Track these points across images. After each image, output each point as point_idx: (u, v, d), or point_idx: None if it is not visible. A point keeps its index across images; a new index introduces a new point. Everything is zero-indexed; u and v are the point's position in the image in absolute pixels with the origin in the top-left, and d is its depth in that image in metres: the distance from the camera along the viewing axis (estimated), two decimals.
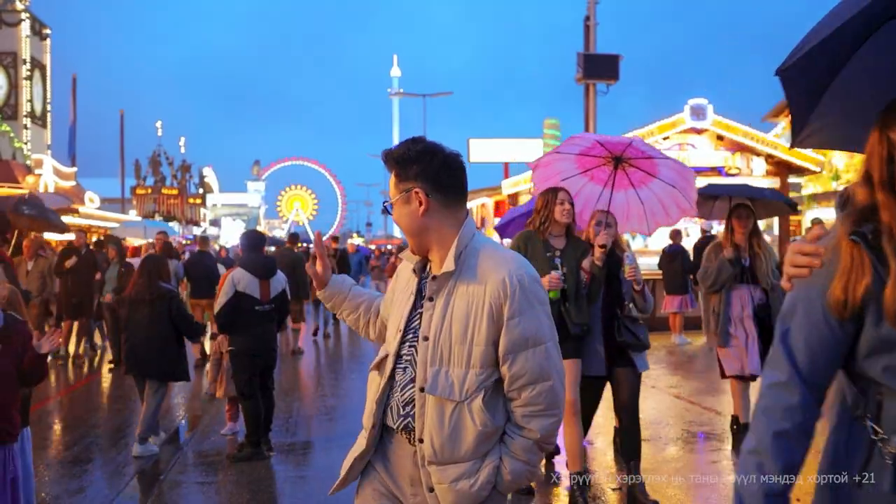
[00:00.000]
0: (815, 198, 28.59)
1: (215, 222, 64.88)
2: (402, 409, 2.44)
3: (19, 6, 38.14)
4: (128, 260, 12.21)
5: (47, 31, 40.52)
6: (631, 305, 5.44)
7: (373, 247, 43.49)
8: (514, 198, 19.52)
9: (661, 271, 13.83)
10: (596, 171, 5.98)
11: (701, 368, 11.03)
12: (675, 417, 8.04)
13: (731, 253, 6.45)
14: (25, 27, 37.94)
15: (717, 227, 15.37)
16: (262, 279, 6.82)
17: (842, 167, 26.88)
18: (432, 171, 2.43)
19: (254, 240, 7.01)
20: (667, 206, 6.06)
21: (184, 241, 27.01)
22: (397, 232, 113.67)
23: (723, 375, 6.71)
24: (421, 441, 2.38)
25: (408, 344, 2.46)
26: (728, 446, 6.86)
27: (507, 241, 7.98)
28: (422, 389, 2.38)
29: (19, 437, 4.42)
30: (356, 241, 32.17)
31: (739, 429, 6.67)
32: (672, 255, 13.61)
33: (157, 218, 44.57)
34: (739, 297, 6.49)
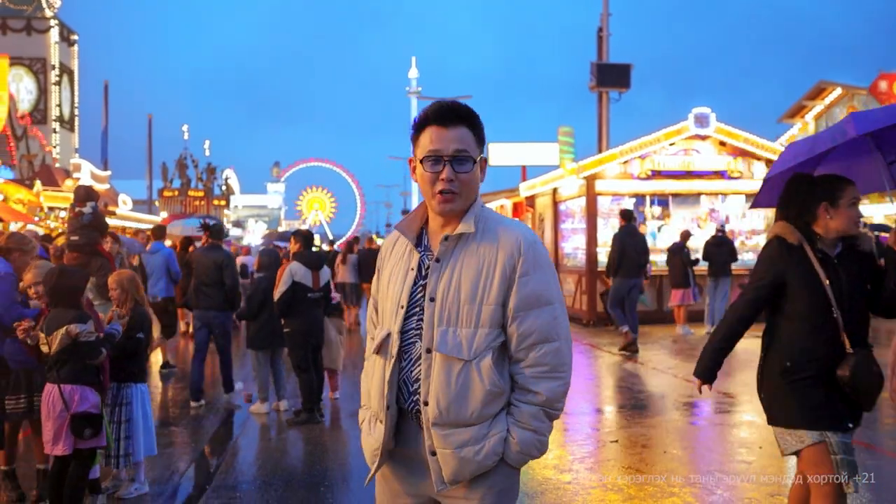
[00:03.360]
0: None
1: (238, 224, 66.22)
2: (410, 387, 2.39)
3: (48, 13, 39.61)
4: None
5: (75, 37, 41.91)
6: None
7: None
8: (531, 200, 20.66)
9: (667, 267, 14.97)
10: None
11: (695, 353, 12.13)
12: (671, 391, 9.20)
13: None
14: (54, 34, 39.31)
15: (729, 226, 16.52)
16: (314, 270, 8.05)
17: None
18: (485, 140, 2.50)
19: (307, 238, 8.26)
20: None
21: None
22: None
23: None
24: (426, 404, 2.34)
25: (415, 318, 2.40)
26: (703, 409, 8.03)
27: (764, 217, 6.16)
28: (428, 350, 2.35)
29: (136, 389, 5.65)
30: (379, 241, 33.32)
31: None
32: (673, 252, 14.74)
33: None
34: None
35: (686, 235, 15.02)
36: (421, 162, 2.40)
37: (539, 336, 2.36)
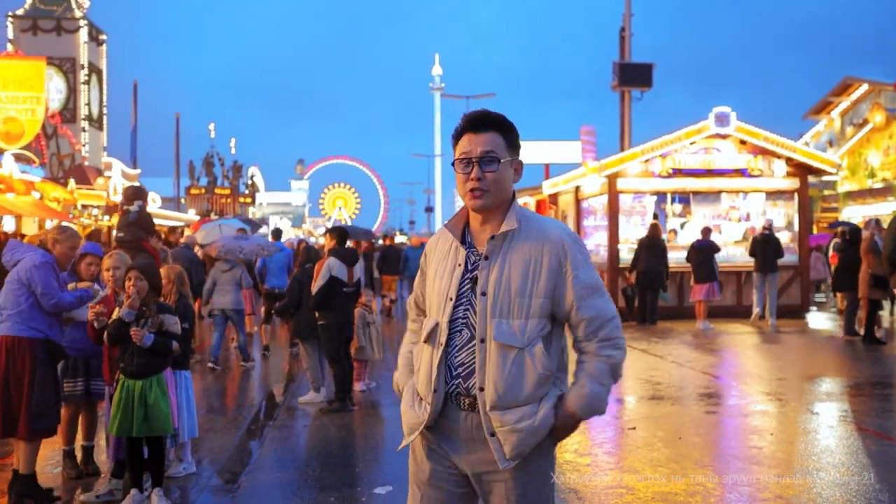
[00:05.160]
0: (851, 195, 29.49)
1: (263, 221, 66.91)
2: (453, 371, 2.64)
3: (77, 14, 40.31)
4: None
5: (103, 36, 42.47)
6: None
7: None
8: (554, 198, 21.01)
9: (689, 264, 15.27)
10: None
11: (714, 347, 12.59)
12: (689, 383, 9.55)
13: None
14: (83, 34, 39.91)
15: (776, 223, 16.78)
16: (349, 266, 8.46)
17: (877, 165, 27.81)
18: (519, 146, 2.74)
19: (342, 234, 8.67)
20: None
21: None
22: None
23: None
24: (482, 390, 2.58)
25: (462, 308, 2.64)
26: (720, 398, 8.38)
27: None
28: (482, 340, 2.58)
29: (181, 375, 6.00)
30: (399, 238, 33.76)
31: None
32: (700, 250, 15.02)
33: (213, 217, 46.57)
34: None
35: (707, 232, 15.33)
36: (453, 164, 2.69)
37: (602, 317, 2.64)
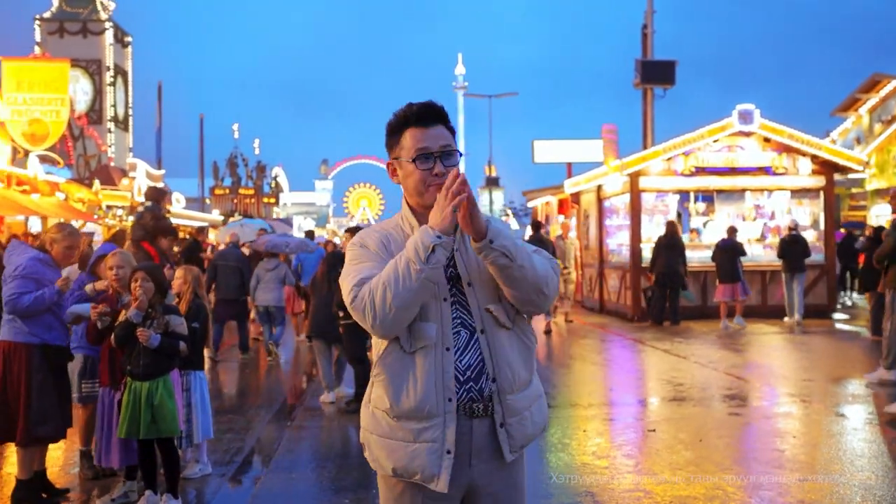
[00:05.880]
0: (879, 193, 29.12)
1: (287, 221, 67.24)
2: (462, 377, 2.45)
3: (103, 16, 40.70)
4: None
5: (129, 38, 42.92)
6: None
7: None
8: (576, 197, 20.89)
9: (714, 263, 15.09)
10: None
11: (738, 348, 12.43)
12: (711, 384, 9.44)
13: None
14: (109, 36, 40.34)
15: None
16: None
17: None
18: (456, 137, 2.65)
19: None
20: None
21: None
22: None
23: None
24: (494, 380, 2.46)
25: (455, 306, 2.48)
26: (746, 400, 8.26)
27: None
28: (482, 331, 2.47)
29: (195, 376, 5.96)
30: None
31: None
32: (724, 249, 14.85)
33: (237, 217, 46.76)
34: None
35: (733, 231, 15.15)
36: (414, 161, 2.47)
37: None
